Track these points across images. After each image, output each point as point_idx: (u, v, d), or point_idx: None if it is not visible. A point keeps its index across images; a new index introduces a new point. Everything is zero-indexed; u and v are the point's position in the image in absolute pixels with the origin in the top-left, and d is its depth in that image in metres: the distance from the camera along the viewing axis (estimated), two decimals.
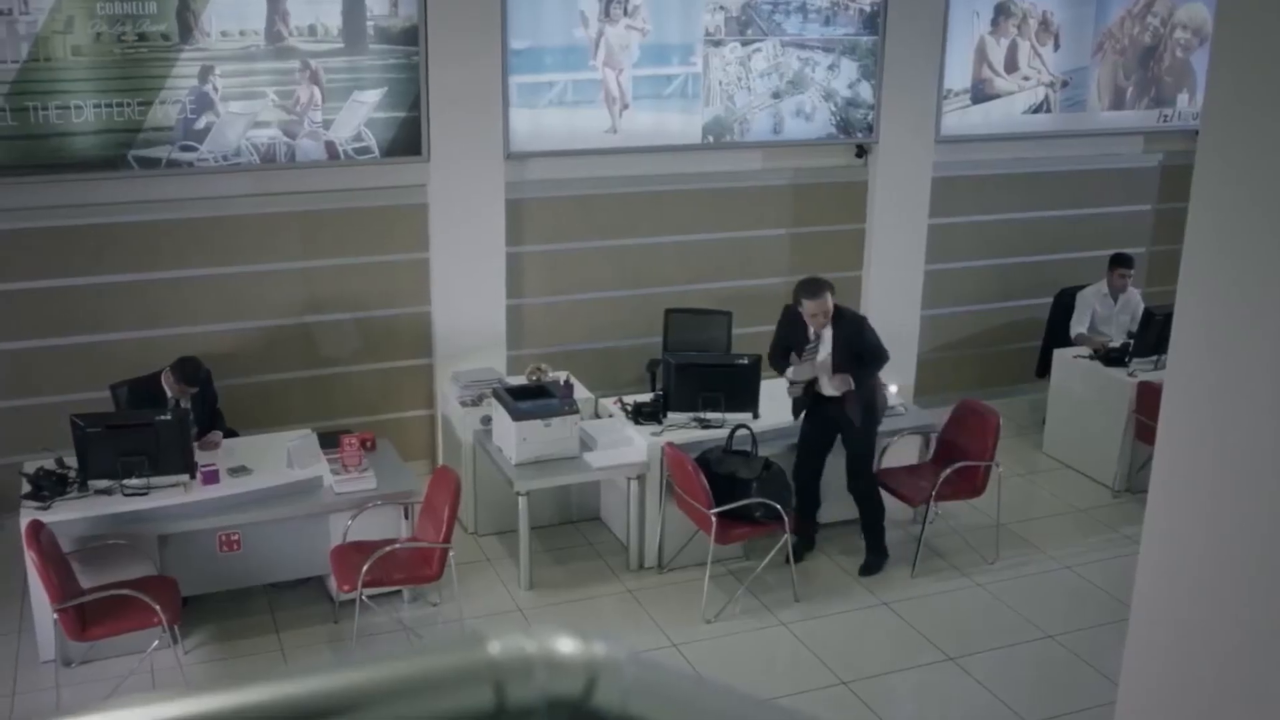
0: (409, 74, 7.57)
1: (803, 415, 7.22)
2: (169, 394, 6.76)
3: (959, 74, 9.06)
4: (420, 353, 8.18)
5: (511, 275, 8.23)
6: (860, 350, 6.99)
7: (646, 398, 7.61)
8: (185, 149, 7.23)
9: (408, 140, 7.68)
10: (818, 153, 8.92)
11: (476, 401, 7.60)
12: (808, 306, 6.93)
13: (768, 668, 6.39)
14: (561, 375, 7.81)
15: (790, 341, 7.11)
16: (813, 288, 6.97)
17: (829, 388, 7.03)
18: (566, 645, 0.71)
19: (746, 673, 6.24)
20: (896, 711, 6.11)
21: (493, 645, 0.70)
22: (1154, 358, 8.30)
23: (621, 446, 7.25)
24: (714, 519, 6.66)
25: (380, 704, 0.67)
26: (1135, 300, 9.02)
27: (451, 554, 6.32)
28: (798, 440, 7.32)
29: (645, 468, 7.16)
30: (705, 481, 6.75)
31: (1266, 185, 3.84)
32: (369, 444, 6.93)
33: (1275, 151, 3.80)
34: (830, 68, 8.63)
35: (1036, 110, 9.39)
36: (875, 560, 7.32)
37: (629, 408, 7.54)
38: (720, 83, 8.38)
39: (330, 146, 7.53)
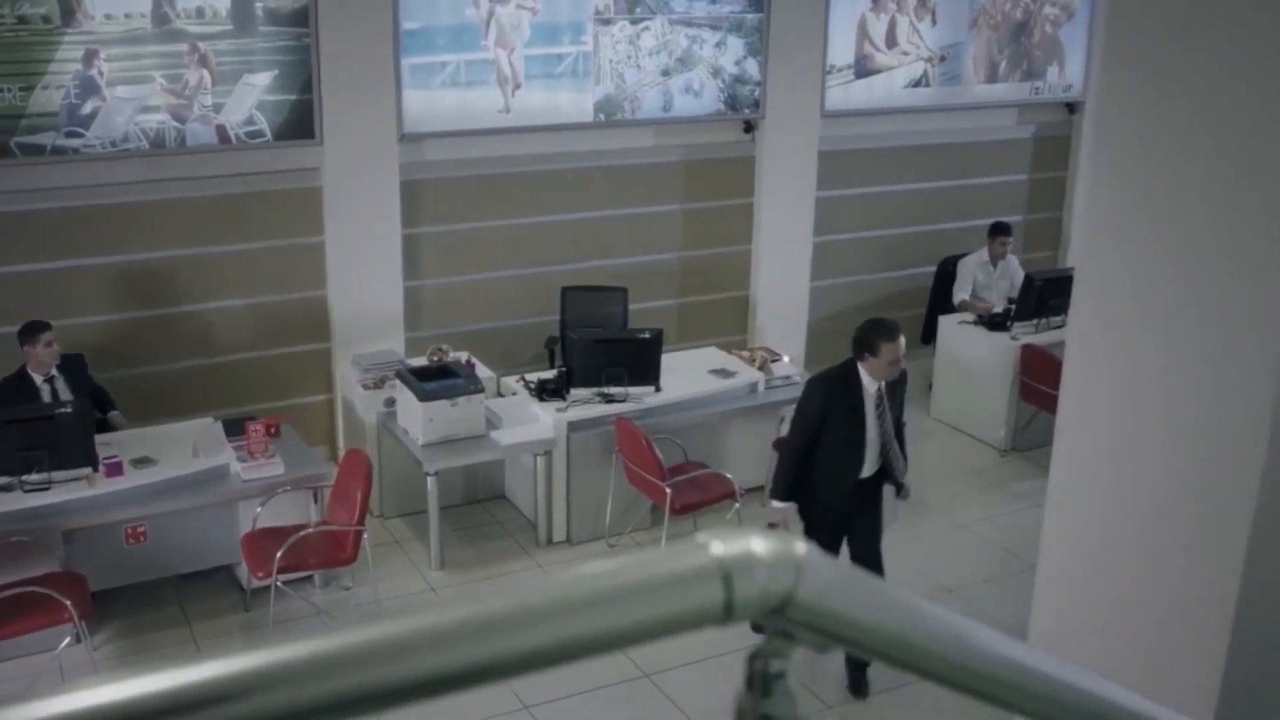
0: (300, 56, 7.49)
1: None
2: (38, 378, 6.62)
3: (842, 50, 9.27)
4: (318, 337, 8.12)
5: (408, 257, 8.21)
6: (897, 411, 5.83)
7: (550, 375, 7.67)
8: (71, 135, 7.06)
9: (300, 123, 7.60)
10: (707, 129, 9.05)
11: (379, 384, 7.58)
12: (886, 353, 5.50)
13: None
14: (462, 355, 7.83)
15: (827, 422, 5.64)
16: (889, 329, 5.55)
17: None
18: (775, 544, 0.79)
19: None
20: (807, 670, 6.28)
21: (716, 545, 0.78)
22: (1035, 321, 8.64)
23: (528, 424, 7.30)
24: (668, 491, 6.80)
25: (621, 604, 0.74)
26: (1014, 266, 9.35)
27: (365, 536, 6.33)
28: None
29: (552, 444, 7.24)
30: (658, 454, 6.88)
31: (1158, 159, 4.06)
32: (274, 430, 6.87)
33: (1165, 123, 4.01)
34: (717, 45, 8.75)
35: (916, 84, 9.65)
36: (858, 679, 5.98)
37: (532, 385, 7.60)
38: (610, 61, 8.45)
39: (221, 130, 7.42)
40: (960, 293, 9.32)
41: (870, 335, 5.52)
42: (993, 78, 9.93)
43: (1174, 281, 4.03)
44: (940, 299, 9.56)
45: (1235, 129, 3.76)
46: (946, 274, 9.57)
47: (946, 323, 9.19)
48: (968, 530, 7.60)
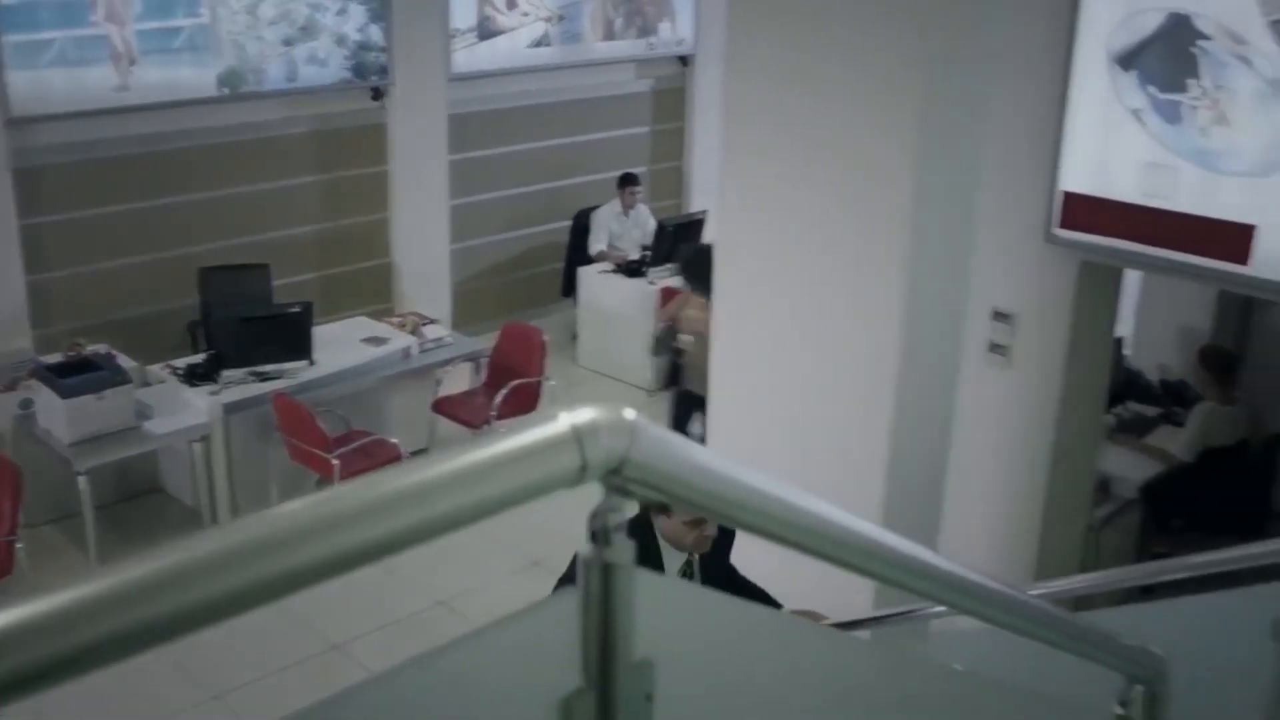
0: None
1: None
2: None
3: (464, 13, 9.39)
4: None
5: (28, 248, 7.71)
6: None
7: (198, 359, 7.47)
8: None
9: None
10: (335, 98, 8.97)
11: (11, 386, 7.16)
12: (668, 528, 3.58)
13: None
14: (101, 348, 7.50)
15: None
16: None
17: None
18: (609, 411, 0.93)
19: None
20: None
21: (565, 416, 0.92)
22: (669, 265, 9.10)
23: (180, 411, 7.11)
24: (336, 462, 6.80)
25: (500, 471, 0.87)
26: (645, 214, 9.81)
27: (19, 546, 6.02)
28: None
29: (208, 428, 7.08)
30: (321, 425, 6.85)
31: (781, 103, 4.44)
32: None
33: (790, 71, 4.40)
34: (340, 13, 8.67)
35: (538, 44, 9.89)
36: None
37: (180, 371, 7.39)
38: (229, 33, 8.22)
39: None
40: (596, 244, 9.69)
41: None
42: (610, 35, 10.32)
43: (804, 219, 4.43)
44: (577, 252, 9.90)
45: (854, 74, 4.17)
46: (582, 227, 9.93)
47: (586, 274, 9.55)
48: None
